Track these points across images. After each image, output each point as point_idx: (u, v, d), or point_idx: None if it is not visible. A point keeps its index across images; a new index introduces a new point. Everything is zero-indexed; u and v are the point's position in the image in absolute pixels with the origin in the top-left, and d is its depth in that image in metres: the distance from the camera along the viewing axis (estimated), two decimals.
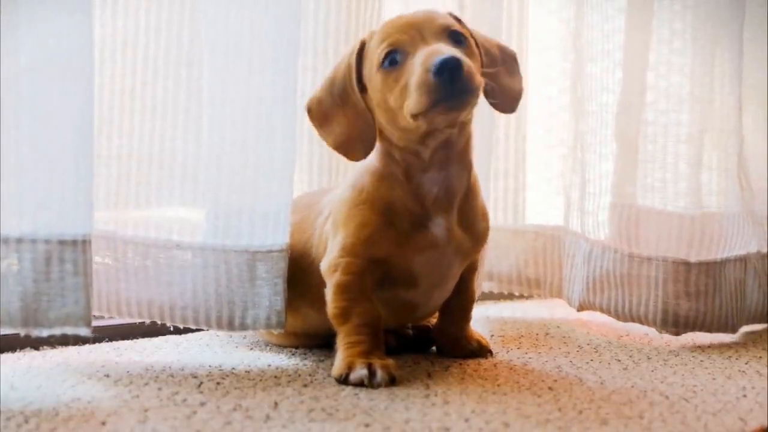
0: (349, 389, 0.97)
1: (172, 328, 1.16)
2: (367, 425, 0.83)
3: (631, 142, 1.37)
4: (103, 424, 0.83)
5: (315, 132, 1.08)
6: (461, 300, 1.15)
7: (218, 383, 0.99)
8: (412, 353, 1.17)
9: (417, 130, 1.00)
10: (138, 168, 1.12)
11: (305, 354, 1.16)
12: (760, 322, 1.40)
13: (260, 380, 1.01)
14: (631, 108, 1.37)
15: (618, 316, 1.35)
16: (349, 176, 1.10)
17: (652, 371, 1.10)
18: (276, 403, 0.91)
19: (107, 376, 1.01)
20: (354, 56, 1.04)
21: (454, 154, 1.05)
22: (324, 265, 1.06)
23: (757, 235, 1.38)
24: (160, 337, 1.24)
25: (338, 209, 1.07)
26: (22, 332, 0.93)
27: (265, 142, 1.08)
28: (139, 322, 1.15)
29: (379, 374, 0.98)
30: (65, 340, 1.16)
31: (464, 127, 1.04)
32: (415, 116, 0.97)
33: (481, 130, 1.33)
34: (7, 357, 1.11)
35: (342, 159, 1.09)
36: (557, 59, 1.50)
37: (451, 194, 1.05)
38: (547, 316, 1.50)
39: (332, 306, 1.04)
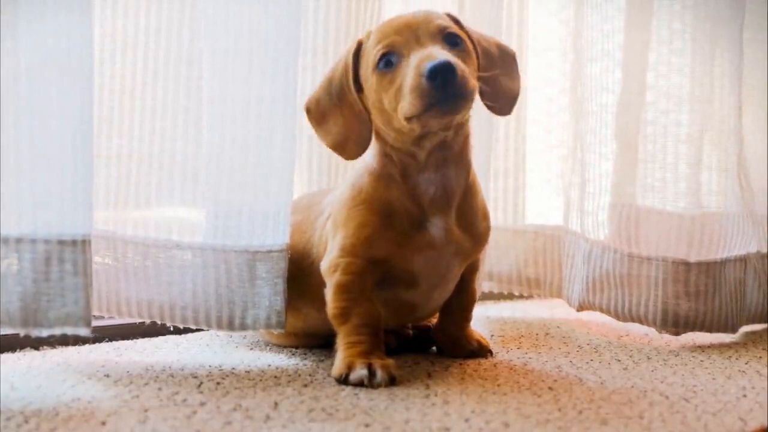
0: (349, 389, 0.97)
1: (172, 328, 1.16)
2: (367, 425, 0.83)
3: (630, 142, 1.37)
4: (103, 424, 0.83)
5: (313, 131, 1.08)
6: (462, 300, 1.15)
7: (218, 383, 0.99)
8: (412, 353, 1.17)
9: (411, 133, 1.00)
10: (138, 168, 1.12)
11: (305, 354, 1.16)
12: (760, 322, 1.40)
13: (260, 380, 1.01)
14: (631, 108, 1.37)
15: (618, 316, 1.34)
16: (349, 176, 1.10)
17: (652, 371, 1.10)
18: (276, 403, 0.91)
19: (107, 376, 1.01)
20: (351, 56, 1.04)
21: (451, 154, 1.05)
22: (324, 266, 1.06)
23: (757, 235, 1.38)
24: (160, 337, 1.24)
25: (338, 210, 1.07)
26: (22, 332, 0.93)
27: (265, 142, 1.08)
28: (139, 322, 1.15)
29: (379, 374, 0.98)
30: (65, 340, 1.16)
31: (461, 128, 1.04)
32: (408, 119, 0.97)
33: (480, 130, 1.33)
34: (7, 357, 1.11)
35: (342, 159, 1.09)
36: (557, 59, 1.50)
37: (448, 194, 1.05)
38: (547, 316, 1.50)
39: (332, 306, 1.04)
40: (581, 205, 1.40)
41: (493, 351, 1.18)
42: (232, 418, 0.85)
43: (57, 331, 0.94)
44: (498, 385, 1.00)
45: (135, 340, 1.23)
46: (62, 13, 0.93)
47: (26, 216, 0.93)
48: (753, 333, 1.39)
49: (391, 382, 0.99)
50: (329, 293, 1.05)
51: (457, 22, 1.06)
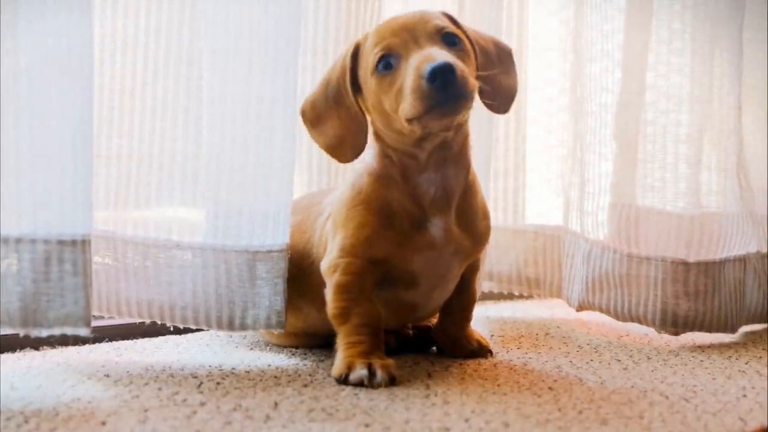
0: (349, 389, 0.97)
1: (172, 328, 1.16)
2: (367, 425, 0.83)
3: (630, 142, 1.37)
4: (103, 424, 0.83)
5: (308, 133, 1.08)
6: (462, 300, 1.15)
7: (218, 383, 0.99)
8: (412, 353, 1.17)
9: (412, 134, 1.00)
10: (138, 168, 1.12)
11: (305, 354, 1.16)
12: (759, 322, 1.40)
13: (260, 380, 1.01)
14: (631, 108, 1.37)
15: (617, 316, 1.34)
16: (348, 177, 1.10)
17: (652, 371, 1.10)
18: (276, 403, 0.91)
19: (107, 376, 1.01)
20: (348, 58, 1.04)
21: (451, 154, 1.05)
22: (324, 266, 1.06)
23: (756, 235, 1.38)
24: (160, 337, 1.24)
25: (337, 210, 1.07)
26: (22, 332, 0.93)
27: (265, 142, 1.08)
28: (139, 322, 1.15)
29: (379, 374, 0.98)
30: (65, 340, 1.16)
31: (460, 127, 1.04)
32: (409, 120, 0.97)
33: (480, 130, 1.33)
34: (7, 357, 1.11)
35: None
36: (557, 60, 1.50)
37: (448, 194, 1.05)
38: (547, 316, 1.50)
39: (332, 306, 1.04)
40: (581, 205, 1.40)
41: (493, 351, 1.18)
42: (232, 418, 0.85)
43: (57, 332, 0.94)
44: (498, 385, 1.00)
45: (135, 340, 1.23)
46: (62, 13, 0.93)
47: (26, 216, 0.93)
48: (753, 333, 1.39)
49: (391, 382, 0.99)
50: (329, 293, 1.05)
51: (453, 20, 1.05)
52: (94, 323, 1.00)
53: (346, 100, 1.04)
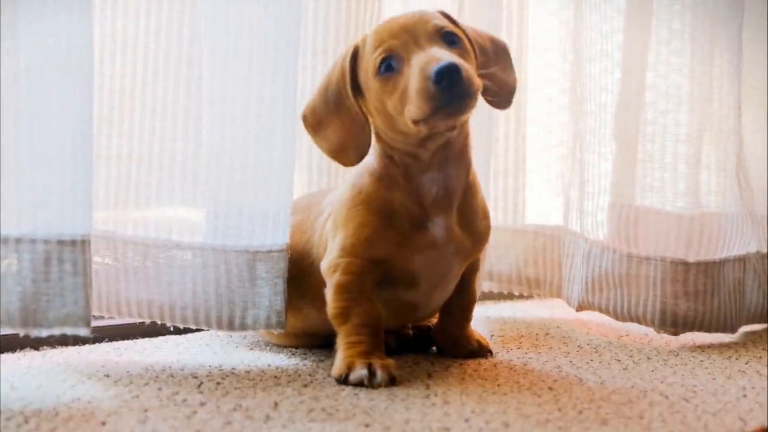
0: (349, 389, 0.97)
1: (172, 328, 1.16)
2: (367, 425, 0.83)
3: (630, 142, 1.37)
4: (103, 424, 0.83)
5: (310, 139, 1.08)
6: (462, 300, 1.15)
7: (218, 383, 0.99)
8: (412, 353, 1.17)
9: (418, 134, 1.00)
10: (138, 168, 1.12)
11: (305, 354, 1.16)
12: (759, 322, 1.40)
13: (260, 380, 1.01)
14: (630, 108, 1.37)
15: (616, 316, 1.35)
16: (348, 177, 1.10)
17: (652, 371, 1.10)
18: (276, 403, 0.91)
19: (107, 376, 1.01)
20: (347, 61, 1.03)
21: (453, 153, 1.05)
22: (324, 266, 1.06)
23: (756, 235, 1.38)
24: (160, 337, 1.24)
25: (338, 210, 1.07)
26: (22, 332, 0.93)
27: (265, 142, 1.08)
28: (139, 322, 1.15)
29: (379, 374, 0.98)
30: (65, 340, 1.16)
31: (462, 126, 1.04)
32: (415, 122, 0.97)
33: (480, 130, 1.33)
34: (7, 357, 1.11)
35: None
36: (557, 60, 1.50)
37: (450, 194, 1.05)
38: (547, 316, 1.50)
39: (332, 306, 1.04)
40: (581, 204, 1.40)
41: (493, 351, 1.18)
42: (232, 418, 0.85)
43: (56, 332, 0.94)
44: (498, 385, 1.00)
45: (135, 340, 1.23)
46: (62, 13, 0.93)
47: (26, 216, 0.93)
48: (753, 333, 1.39)
49: (391, 382, 0.99)
50: (329, 293, 1.05)
51: (451, 19, 1.05)
52: (94, 323, 1.00)
53: (347, 103, 1.03)
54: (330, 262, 1.05)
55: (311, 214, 1.14)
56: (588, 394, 0.97)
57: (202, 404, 0.90)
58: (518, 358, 1.16)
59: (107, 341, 1.21)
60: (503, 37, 1.38)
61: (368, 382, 0.98)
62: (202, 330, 1.22)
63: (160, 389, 0.96)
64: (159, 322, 1.11)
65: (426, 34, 0.99)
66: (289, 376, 1.04)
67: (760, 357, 1.20)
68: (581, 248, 1.38)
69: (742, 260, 1.35)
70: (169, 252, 1.09)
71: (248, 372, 1.05)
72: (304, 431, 0.82)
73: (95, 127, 1.01)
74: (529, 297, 1.63)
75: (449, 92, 0.93)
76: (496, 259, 1.51)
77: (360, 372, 0.99)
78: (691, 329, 1.30)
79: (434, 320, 1.19)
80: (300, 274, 1.11)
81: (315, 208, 1.15)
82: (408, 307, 1.10)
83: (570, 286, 1.41)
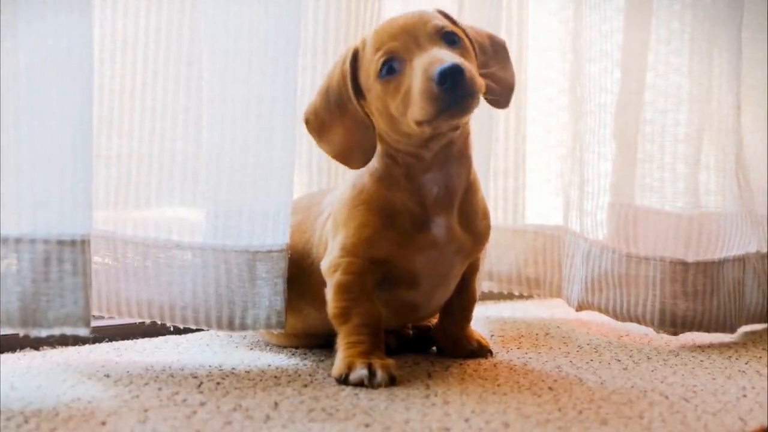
0: (349, 389, 0.97)
1: (172, 328, 1.16)
2: (367, 425, 0.83)
3: (629, 141, 1.37)
4: (103, 424, 0.83)
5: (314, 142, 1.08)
6: (462, 300, 1.15)
7: (218, 383, 0.99)
8: (412, 353, 1.17)
9: (421, 135, 1.00)
10: (138, 168, 1.12)
11: (305, 354, 1.16)
12: (759, 322, 1.40)
13: (260, 380, 1.01)
14: (630, 108, 1.37)
15: (616, 316, 1.35)
16: (349, 177, 1.10)
17: (652, 371, 1.10)
18: (276, 403, 0.91)
19: (107, 376, 1.01)
20: (348, 64, 1.03)
21: (455, 152, 1.05)
22: (324, 265, 1.06)
23: (756, 235, 1.38)
24: (160, 337, 1.24)
25: (338, 209, 1.07)
26: (21, 332, 0.93)
27: (265, 142, 1.08)
28: (139, 322, 1.15)
29: (379, 374, 0.98)
30: (65, 340, 1.16)
31: (464, 125, 1.04)
32: (419, 123, 0.97)
33: (480, 130, 1.33)
34: (7, 357, 1.11)
35: None
36: (557, 59, 1.50)
37: (451, 193, 1.05)
38: (547, 316, 1.50)
39: (332, 306, 1.04)
40: (580, 204, 1.40)
41: (493, 351, 1.18)
42: (232, 418, 0.85)
43: (56, 332, 0.94)
44: (498, 385, 1.00)
45: (135, 340, 1.23)
46: (62, 13, 0.93)
47: (26, 216, 0.93)
48: (753, 333, 1.39)
49: (391, 382, 0.99)
50: (330, 293, 1.05)
51: (450, 18, 1.05)
52: (94, 323, 1.00)
53: (350, 106, 1.03)
54: (330, 261, 1.05)
55: (311, 214, 1.14)
56: (588, 394, 0.97)
57: (202, 404, 0.90)
58: (518, 358, 1.16)
59: (107, 341, 1.21)
60: (503, 36, 1.38)
61: (368, 382, 0.98)
62: (202, 330, 1.22)
63: (160, 389, 0.96)
64: (159, 322, 1.11)
65: (426, 35, 0.99)
66: (289, 376, 1.04)
67: (760, 357, 1.20)
68: (581, 248, 1.38)
69: (742, 260, 1.35)
70: (169, 252, 1.09)
71: (248, 372, 1.05)
72: (304, 431, 0.82)
73: (95, 127, 1.01)
74: (529, 297, 1.63)
75: (453, 93, 0.93)
76: (495, 259, 1.51)
77: (360, 372, 0.99)
78: (691, 329, 1.30)
79: (434, 320, 1.19)
80: (300, 274, 1.11)
81: (315, 208, 1.15)
82: (409, 307, 1.10)
83: (570, 286, 1.41)
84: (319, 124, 1.05)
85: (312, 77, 1.27)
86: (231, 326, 1.10)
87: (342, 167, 1.29)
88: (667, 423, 0.86)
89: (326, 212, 1.11)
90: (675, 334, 1.31)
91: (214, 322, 1.09)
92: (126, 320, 1.18)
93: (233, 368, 1.07)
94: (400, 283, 1.06)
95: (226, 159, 1.08)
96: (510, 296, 1.65)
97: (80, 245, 0.95)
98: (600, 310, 1.36)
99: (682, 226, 1.34)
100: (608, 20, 1.38)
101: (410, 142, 1.02)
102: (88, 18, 0.95)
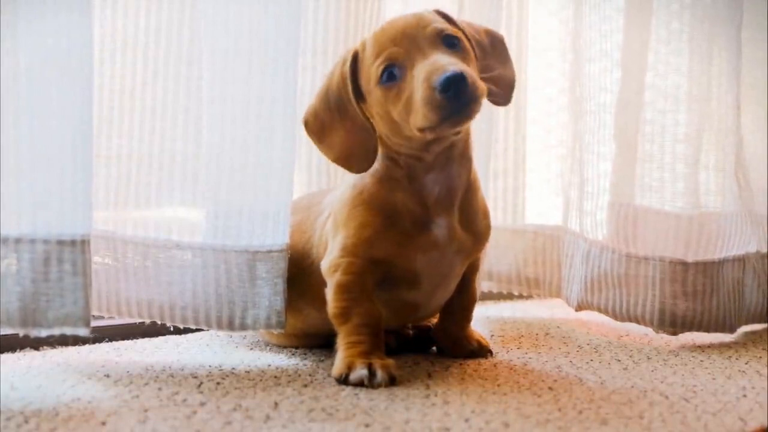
0: (349, 389, 0.97)
1: (172, 328, 1.16)
2: (367, 425, 0.83)
3: (629, 141, 1.37)
4: (103, 424, 0.83)
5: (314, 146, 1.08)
6: (462, 300, 1.15)
7: (218, 383, 0.99)
8: (412, 353, 1.17)
9: (423, 139, 1.00)
10: (138, 168, 1.12)
11: (305, 354, 1.16)
12: (759, 322, 1.40)
13: (260, 380, 1.01)
14: (630, 108, 1.37)
15: (615, 316, 1.35)
16: (349, 177, 1.10)
17: (652, 371, 1.10)
18: (276, 403, 0.91)
19: (107, 376, 1.01)
20: (347, 67, 1.02)
21: (455, 153, 1.05)
22: (324, 265, 1.06)
23: (756, 235, 1.38)
24: (160, 337, 1.24)
25: (338, 210, 1.07)
26: (21, 332, 0.93)
27: (265, 142, 1.08)
28: (139, 322, 1.15)
29: (379, 374, 0.98)
30: (65, 340, 1.16)
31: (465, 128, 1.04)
32: (421, 130, 0.97)
33: (480, 130, 1.33)
34: (7, 357, 1.11)
35: None
36: (557, 59, 1.50)
37: (452, 193, 1.05)
38: (547, 316, 1.50)
39: (333, 306, 1.04)
40: (580, 204, 1.40)
41: (493, 351, 1.18)
42: (232, 418, 0.85)
43: (56, 332, 0.94)
44: (498, 385, 1.00)
45: (135, 340, 1.23)
46: (62, 13, 0.93)
47: (26, 216, 0.93)
48: (752, 333, 1.39)
49: (391, 382, 0.99)
50: (330, 293, 1.05)
51: (448, 18, 1.04)
52: (94, 323, 1.00)
53: (350, 109, 1.02)
54: (331, 261, 1.05)
55: (311, 214, 1.14)
56: (588, 394, 0.97)
57: (202, 404, 0.90)
58: (518, 358, 1.16)
59: (107, 341, 1.21)
60: None
61: (368, 382, 0.98)
62: (202, 330, 1.22)
63: (160, 389, 0.96)
64: (159, 322, 1.11)
65: (426, 39, 0.98)
66: (289, 376, 1.04)
67: (760, 357, 1.20)
68: (581, 248, 1.38)
69: (742, 260, 1.35)
70: (169, 252, 1.09)
71: (248, 372, 1.05)
72: (304, 431, 0.82)
73: (95, 127, 1.01)
74: (529, 297, 1.63)
75: (456, 101, 0.93)
76: (495, 259, 1.51)
77: (360, 372, 0.99)
78: (690, 329, 1.30)
79: (434, 320, 1.19)
80: (300, 274, 1.11)
81: (315, 208, 1.15)
82: (409, 307, 1.10)
83: (569, 286, 1.41)
84: (318, 126, 1.05)
85: (312, 77, 1.27)
86: (231, 326, 1.10)
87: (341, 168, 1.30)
88: (667, 423, 0.86)
89: (326, 212, 1.11)
90: (675, 334, 1.31)
91: (214, 322, 1.09)
92: (126, 320, 1.18)
93: (233, 368, 1.07)
94: (401, 283, 1.06)
95: (226, 159, 1.08)
96: (510, 296, 1.65)
97: (80, 245, 0.95)
98: (600, 310, 1.36)
99: (682, 226, 1.34)
100: (608, 20, 1.38)
101: (411, 145, 1.02)
102: (88, 18, 0.95)
